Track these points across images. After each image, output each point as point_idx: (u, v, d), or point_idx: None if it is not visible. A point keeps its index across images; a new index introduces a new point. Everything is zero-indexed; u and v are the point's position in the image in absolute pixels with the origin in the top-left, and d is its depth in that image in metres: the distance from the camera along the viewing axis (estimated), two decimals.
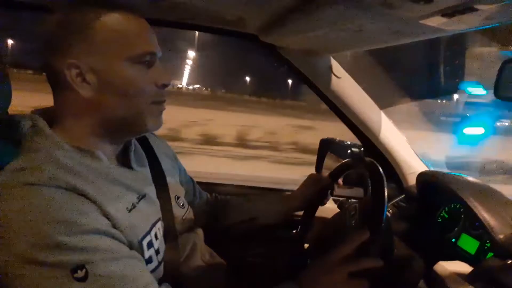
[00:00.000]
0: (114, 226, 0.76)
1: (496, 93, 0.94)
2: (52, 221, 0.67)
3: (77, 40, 0.79)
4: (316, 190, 1.34)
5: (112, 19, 0.80)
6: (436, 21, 0.84)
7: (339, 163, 1.38)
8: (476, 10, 0.73)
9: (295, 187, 1.40)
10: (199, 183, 1.39)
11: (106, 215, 0.75)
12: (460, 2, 0.71)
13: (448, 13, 0.78)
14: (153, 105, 0.86)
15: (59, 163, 0.75)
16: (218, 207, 1.37)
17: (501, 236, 1.07)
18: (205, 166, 7.75)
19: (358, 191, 1.73)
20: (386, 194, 1.03)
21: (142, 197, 0.89)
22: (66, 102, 0.83)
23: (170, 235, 0.96)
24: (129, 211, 0.82)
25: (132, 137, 0.94)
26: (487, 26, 0.85)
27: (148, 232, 0.86)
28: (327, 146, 1.74)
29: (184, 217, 1.08)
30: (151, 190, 0.96)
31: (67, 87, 0.80)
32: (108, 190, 0.79)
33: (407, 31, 0.99)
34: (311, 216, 1.36)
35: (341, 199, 1.60)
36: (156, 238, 0.89)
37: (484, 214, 1.14)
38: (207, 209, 1.35)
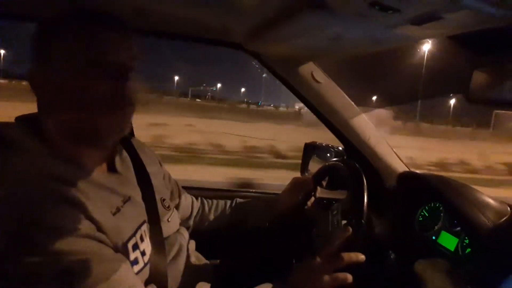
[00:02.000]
0: (99, 230, 0.77)
1: (467, 97, 0.97)
2: (37, 226, 0.68)
3: (42, 48, 0.82)
4: (299, 193, 1.38)
5: (77, 28, 0.82)
6: (406, 30, 0.89)
7: (322, 166, 1.42)
8: (442, 18, 0.77)
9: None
10: (186, 187, 1.41)
11: (91, 219, 0.76)
12: (425, 10, 0.76)
13: (417, 21, 0.82)
14: (111, 111, 0.83)
15: (43, 170, 0.76)
16: (205, 211, 1.41)
17: (479, 232, 1.12)
18: None
19: (342, 193, 1.77)
20: (365, 192, 1.08)
21: (126, 200, 0.90)
22: (40, 108, 0.86)
23: (155, 236, 0.97)
24: (114, 214, 0.83)
25: (104, 143, 0.90)
26: (453, 33, 0.89)
27: (134, 235, 0.87)
28: (311, 150, 1.78)
29: (169, 219, 1.09)
30: (136, 193, 0.97)
31: (41, 95, 0.84)
32: (92, 194, 0.80)
33: (381, 39, 1.03)
34: (296, 218, 1.40)
35: (325, 201, 1.64)
36: (142, 240, 0.90)
37: (462, 212, 1.18)
38: (194, 212, 1.38)
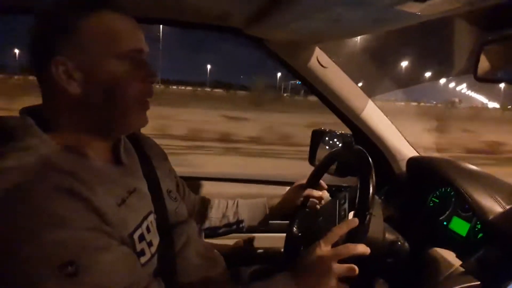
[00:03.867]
0: (104, 222, 0.76)
1: (475, 75, 0.94)
2: (42, 218, 0.68)
3: (64, 38, 0.80)
4: (298, 200, 1.38)
5: (98, 17, 0.82)
6: (410, 7, 0.85)
7: (328, 154, 1.40)
8: None
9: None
10: (191, 178, 1.41)
11: (96, 211, 0.75)
12: None
13: None
14: (139, 103, 0.88)
15: (48, 161, 0.75)
16: (204, 209, 1.41)
17: (490, 217, 1.09)
18: None
19: (352, 180, 1.74)
20: (373, 181, 1.04)
21: (132, 191, 0.89)
22: (54, 100, 0.85)
23: (163, 227, 0.97)
24: (119, 205, 0.82)
25: (119, 135, 0.95)
26: (461, 11, 0.85)
27: (140, 225, 0.87)
28: (318, 137, 1.75)
29: (177, 210, 1.08)
30: (142, 184, 0.97)
31: (55, 85, 0.81)
32: (97, 186, 0.79)
33: (384, 19, 1.00)
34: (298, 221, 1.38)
35: (333, 188, 1.62)
36: (148, 231, 0.89)
37: (473, 196, 1.15)
38: (198, 209, 1.38)
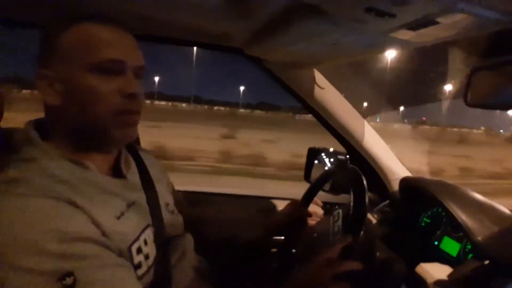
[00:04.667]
0: (103, 234, 0.77)
1: (465, 101, 0.97)
2: (41, 229, 0.68)
3: (47, 51, 0.84)
4: (293, 217, 1.36)
5: (78, 29, 0.83)
6: (403, 34, 0.89)
7: (323, 172, 1.42)
8: (438, 23, 0.78)
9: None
10: (191, 192, 1.42)
11: (95, 223, 0.76)
12: (421, 15, 0.76)
13: (413, 26, 0.83)
14: (118, 116, 0.84)
15: (49, 173, 0.77)
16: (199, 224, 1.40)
17: (479, 238, 1.11)
18: None
19: (346, 198, 1.76)
20: (366, 200, 1.07)
21: (131, 204, 0.90)
22: (46, 112, 0.87)
23: (159, 240, 0.97)
24: (118, 218, 0.83)
25: (106, 148, 0.92)
26: (451, 39, 0.89)
27: (137, 238, 0.87)
28: (314, 155, 1.78)
29: (174, 223, 1.09)
30: (140, 197, 0.97)
31: (46, 97, 0.84)
32: (97, 198, 0.81)
33: (379, 44, 1.04)
34: (293, 237, 1.39)
35: (328, 205, 1.64)
36: (146, 243, 0.90)
37: (463, 217, 1.17)
38: (194, 221, 1.37)
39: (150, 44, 1.53)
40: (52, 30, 0.85)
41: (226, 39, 1.42)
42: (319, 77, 1.56)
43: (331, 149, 1.78)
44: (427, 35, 0.89)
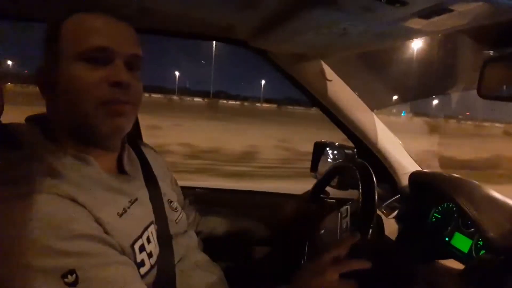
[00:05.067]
0: (106, 231, 0.77)
1: (479, 92, 0.94)
2: (44, 226, 0.68)
3: (46, 45, 0.84)
4: (299, 212, 1.38)
5: (71, 21, 0.82)
6: (415, 23, 0.86)
7: (331, 166, 1.40)
8: (452, 10, 0.74)
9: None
10: (193, 188, 1.41)
11: (98, 221, 0.76)
12: (434, 3, 0.72)
13: (425, 14, 0.79)
14: (105, 105, 0.82)
15: (51, 170, 0.76)
16: (208, 219, 1.40)
17: (491, 234, 1.08)
18: None
19: (353, 194, 1.73)
20: (375, 195, 1.04)
21: (133, 201, 0.89)
22: (47, 108, 0.87)
23: (163, 238, 0.96)
24: (120, 215, 0.82)
25: (97, 142, 0.89)
26: (465, 27, 0.86)
27: (140, 236, 0.86)
28: (321, 149, 1.76)
29: (177, 220, 1.08)
30: (143, 194, 0.97)
31: (43, 92, 0.85)
32: (100, 195, 0.80)
33: (389, 34, 1.00)
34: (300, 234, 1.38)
35: (335, 201, 1.61)
36: (149, 241, 0.89)
37: (475, 213, 1.14)
38: (197, 220, 1.37)
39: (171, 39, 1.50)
40: (50, 24, 0.84)
41: (230, 31, 1.39)
42: (326, 69, 1.52)
43: (337, 143, 1.76)
44: (440, 24, 0.85)
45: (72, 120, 0.83)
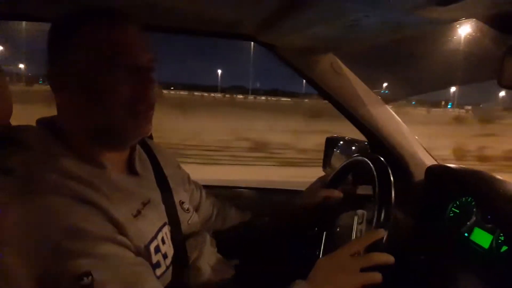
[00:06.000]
0: (121, 233, 0.77)
1: (499, 82, 0.90)
2: (58, 228, 0.67)
3: (59, 48, 0.82)
4: (319, 197, 1.34)
5: (92, 27, 0.80)
6: (431, 11, 0.82)
7: (345, 161, 1.36)
8: None
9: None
10: (207, 187, 1.39)
11: (112, 222, 0.76)
12: None
13: (444, 1, 0.75)
14: (133, 111, 0.83)
15: (64, 171, 0.75)
16: (226, 212, 1.39)
17: None
18: None
19: (367, 189, 1.70)
20: (393, 191, 1.01)
21: (147, 202, 0.89)
22: (60, 109, 0.86)
23: (176, 239, 0.96)
24: (135, 216, 0.83)
25: (121, 145, 0.91)
26: (486, 14, 0.82)
27: (155, 237, 0.87)
28: (333, 144, 1.73)
29: (189, 222, 1.08)
30: (156, 195, 0.97)
31: (58, 96, 0.84)
32: (113, 196, 0.80)
33: (403, 24, 0.96)
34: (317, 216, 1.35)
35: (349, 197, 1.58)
36: (163, 242, 0.89)
37: (497, 206, 1.11)
38: (214, 213, 1.36)
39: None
40: (65, 26, 0.83)
41: (237, 26, 1.36)
42: (336, 62, 1.49)
43: (347, 138, 1.73)
44: (459, 12, 0.81)
45: (95, 123, 0.83)
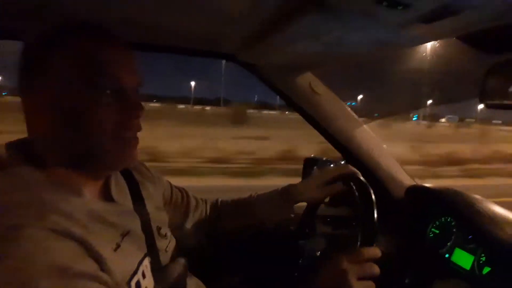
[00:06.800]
0: (102, 269, 0.71)
1: (481, 100, 0.90)
2: (39, 265, 0.61)
3: (35, 69, 0.76)
4: (324, 191, 1.23)
5: (74, 46, 0.76)
6: (415, 29, 0.82)
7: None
8: (457, 13, 0.70)
9: None
10: None
11: (94, 257, 0.70)
12: (439, 5, 0.68)
13: (428, 18, 0.75)
14: (118, 138, 0.78)
15: (43, 202, 0.69)
16: (222, 212, 1.33)
17: (497, 249, 1.04)
18: None
19: (345, 211, 1.68)
20: (375, 212, 1.00)
21: (126, 233, 0.83)
22: (32, 132, 0.79)
23: (156, 271, 0.90)
24: (115, 250, 0.76)
25: (105, 173, 0.87)
26: (468, 31, 0.82)
27: (136, 271, 0.80)
28: (311, 164, 1.71)
29: (167, 248, 1.02)
30: (134, 224, 0.90)
31: (32, 119, 0.77)
32: (94, 229, 0.73)
33: (387, 41, 0.96)
34: (312, 213, 1.32)
35: (328, 219, 1.56)
36: (144, 276, 0.83)
37: (479, 226, 1.11)
38: (209, 214, 1.30)
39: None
40: (42, 45, 0.77)
41: (216, 45, 1.34)
42: (315, 81, 1.48)
43: (325, 158, 1.72)
44: (443, 29, 0.81)
45: (76, 150, 0.77)
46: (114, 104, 0.77)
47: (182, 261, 1.08)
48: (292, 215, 1.35)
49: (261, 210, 1.28)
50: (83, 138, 0.76)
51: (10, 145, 0.80)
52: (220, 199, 1.36)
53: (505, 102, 0.89)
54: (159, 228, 1.01)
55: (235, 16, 1.00)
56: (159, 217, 1.05)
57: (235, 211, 1.32)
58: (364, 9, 0.76)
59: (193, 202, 1.28)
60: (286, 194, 1.25)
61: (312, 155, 1.76)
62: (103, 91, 0.75)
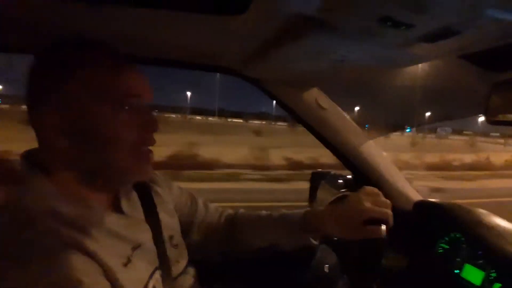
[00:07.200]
0: (112, 284, 0.71)
1: (486, 117, 0.90)
2: (53, 278, 0.62)
3: (54, 88, 0.76)
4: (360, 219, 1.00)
5: (91, 64, 0.77)
6: (418, 48, 0.82)
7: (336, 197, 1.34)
8: (459, 33, 0.71)
9: None
10: None
11: (105, 272, 0.71)
12: (442, 25, 0.69)
13: (431, 38, 0.75)
14: (135, 152, 0.80)
15: (56, 214, 0.71)
16: (238, 224, 1.23)
17: (507, 264, 1.03)
18: None
19: None
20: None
21: (137, 247, 0.83)
22: (48, 150, 0.80)
23: (168, 284, 0.90)
24: (125, 265, 0.77)
25: (120, 186, 0.88)
26: (471, 51, 0.82)
27: (146, 286, 0.81)
28: (319, 178, 1.71)
29: (178, 259, 1.01)
30: (146, 236, 0.90)
31: (44, 136, 0.78)
32: (104, 242, 0.74)
33: (390, 60, 0.96)
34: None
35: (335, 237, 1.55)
36: None
37: (489, 242, 1.09)
38: (222, 223, 1.24)
39: None
40: (57, 62, 0.78)
41: (221, 60, 1.35)
42: (321, 97, 1.48)
43: (333, 172, 1.72)
44: (446, 48, 0.81)
45: (92, 165, 0.79)
46: (132, 120, 0.78)
47: (192, 271, 1.07)
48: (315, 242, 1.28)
49: (277, 234, 1.17)
50: (100, 153, 0.77)
51: (25, 156, 0.82)
52: (240, 211, 1.28)
53: (510, 119, 0.89)
54: (171, 237, 1.00)
55: (240, 34, 1.01)
56: (172, 224, 1.05)
57: (252, 228, 1.21)
58: (368, 29, 0.76)
59: (205, 207, 1.24)
60: (307, 225, 1.11)
61: (319, 170, 1.77)
62: (122, 108, 0.77)
